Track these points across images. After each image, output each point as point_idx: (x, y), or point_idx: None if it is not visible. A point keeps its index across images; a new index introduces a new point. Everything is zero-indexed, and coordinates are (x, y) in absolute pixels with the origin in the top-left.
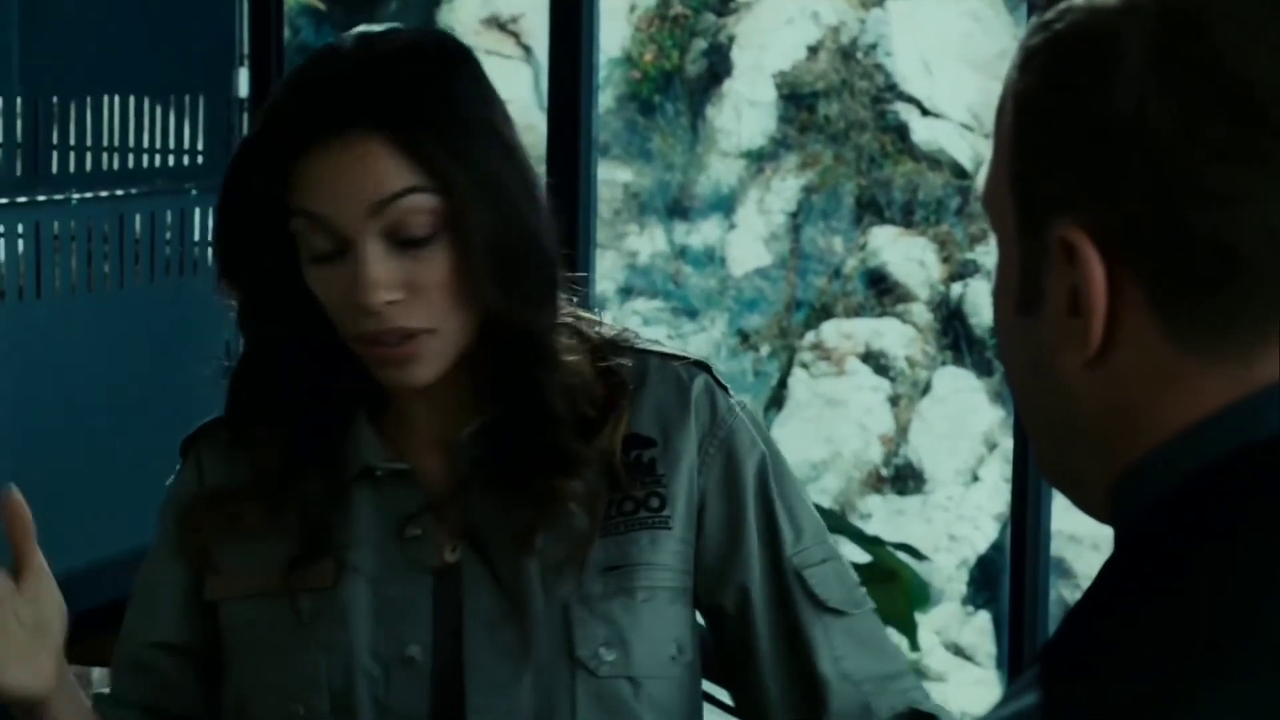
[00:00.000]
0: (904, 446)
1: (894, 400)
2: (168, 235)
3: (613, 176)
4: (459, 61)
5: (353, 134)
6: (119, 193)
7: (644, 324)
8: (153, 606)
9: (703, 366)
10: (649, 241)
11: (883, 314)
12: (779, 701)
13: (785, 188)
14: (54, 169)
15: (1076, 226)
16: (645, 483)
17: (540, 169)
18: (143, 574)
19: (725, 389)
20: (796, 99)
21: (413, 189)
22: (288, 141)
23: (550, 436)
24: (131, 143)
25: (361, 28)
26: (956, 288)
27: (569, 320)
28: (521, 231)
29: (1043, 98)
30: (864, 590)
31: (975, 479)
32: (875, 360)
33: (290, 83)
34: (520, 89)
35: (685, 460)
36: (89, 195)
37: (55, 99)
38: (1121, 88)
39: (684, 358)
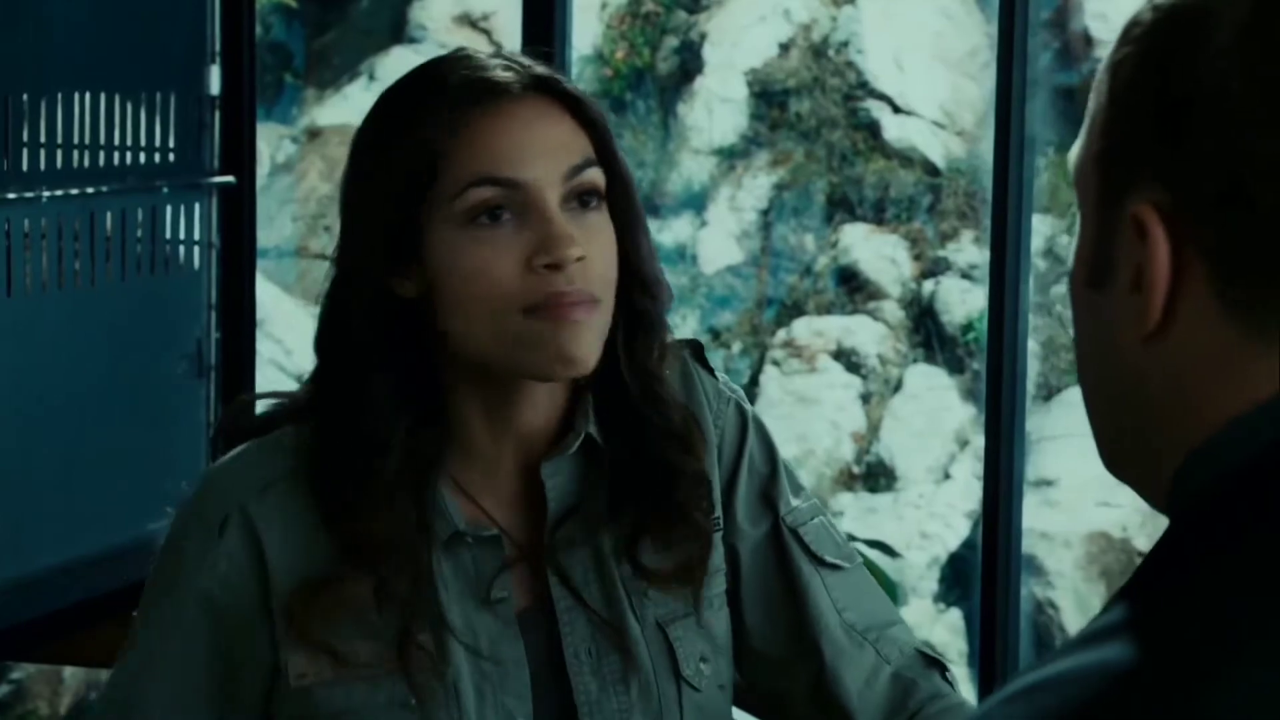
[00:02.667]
0: (876, 444)
1: (865, 398)
2: (139, 233)
3: None
4: None
5: (532, 97)
6: (90, 190)
7: None
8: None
9: (690, 346)
10: None
11: (854, 311)
12: (778, 661)
13: (757, 185)
14: (24, 166)
15: (1149, 204)
16: None
17: None
18: (185, 669)
19: (710, 368)
20: (768, 96)
21: (593, 160)
22: (460, 102)
23: (677, 459)
24: (103, 140)
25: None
26: (928, 285)
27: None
28: (647, 225)
29: (1133, 71)
30: (852, 544)
31: (947, 476)
32: (847, 358)
33: (431, 67)
34: None
35: (713, 454)
36: (59, 193)
37: (25, 96)
38: (1208, 64)
39: (674, 344)
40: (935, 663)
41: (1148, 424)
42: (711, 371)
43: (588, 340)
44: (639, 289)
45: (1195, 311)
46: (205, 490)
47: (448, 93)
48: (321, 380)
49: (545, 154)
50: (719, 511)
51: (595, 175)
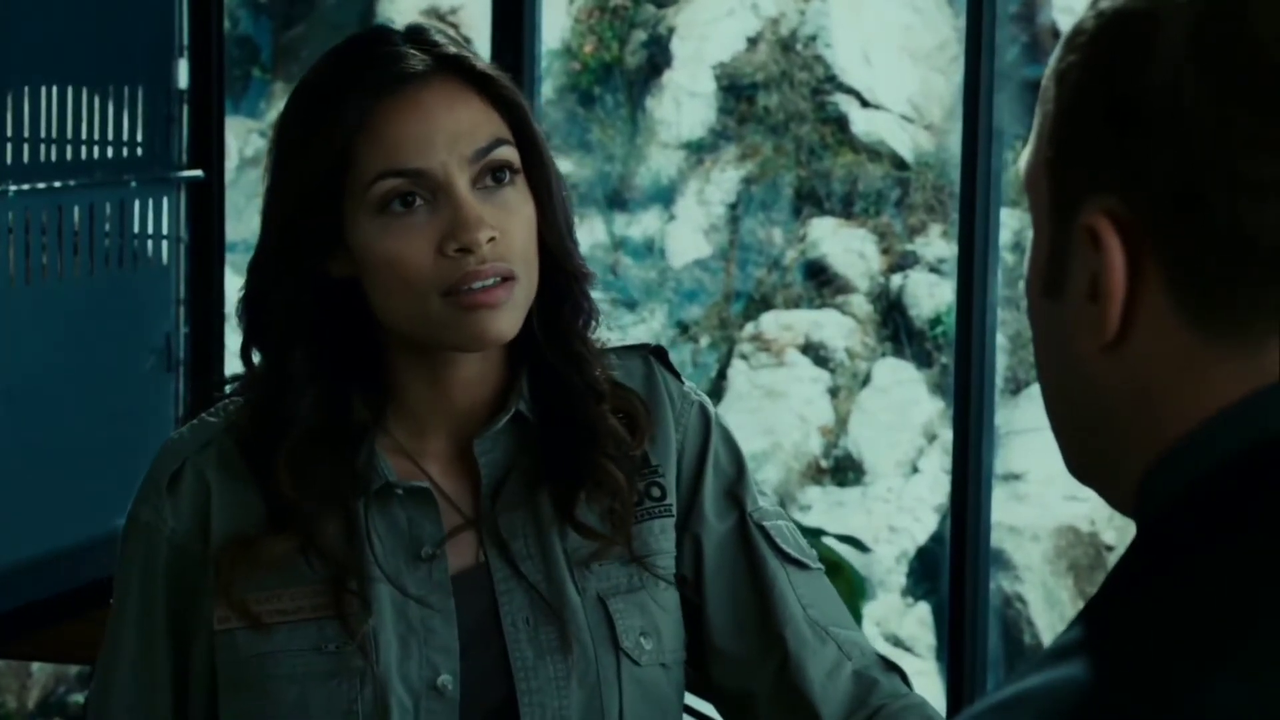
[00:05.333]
0: (844, 438)
1: (834, 391)
2: (107, 227)
3: None
4: None
5: (439, 79)
6: (57, 184)
7: None
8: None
9: (655, 351)
10: (588, 233)
11: (822, 305)
12: (737, 656)
13: (725, 179)
14: None
15: (1102, 213)
16: (644, 474)
17: None
18: (135, 620)
19: (675, 372)
20: (736, 90)
21: (501, 139)
22: (367, 94)
23: (594, 415)
24: (70, 134)
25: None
26: (896, 279)
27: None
28: (565, 192)
29: (1080, 79)
30: (813, 549)
31: (915, 470)
32: (815, 351)
33: (347, 51)
34: None
35: (671, 448)
36: (26, 187)
37: None
38: (1157, 71)
39: (638, 346)
40: (895, 667)
41: (1110, 432)
42: (677, 375)
43: (504, 318)
44: (553, 262)
45: (1153, 320)
46: (156, 460)
47: (357, 85)
48: (244, 352)
49: (450, 139)
50: (671, 499)
51: (505, 153)
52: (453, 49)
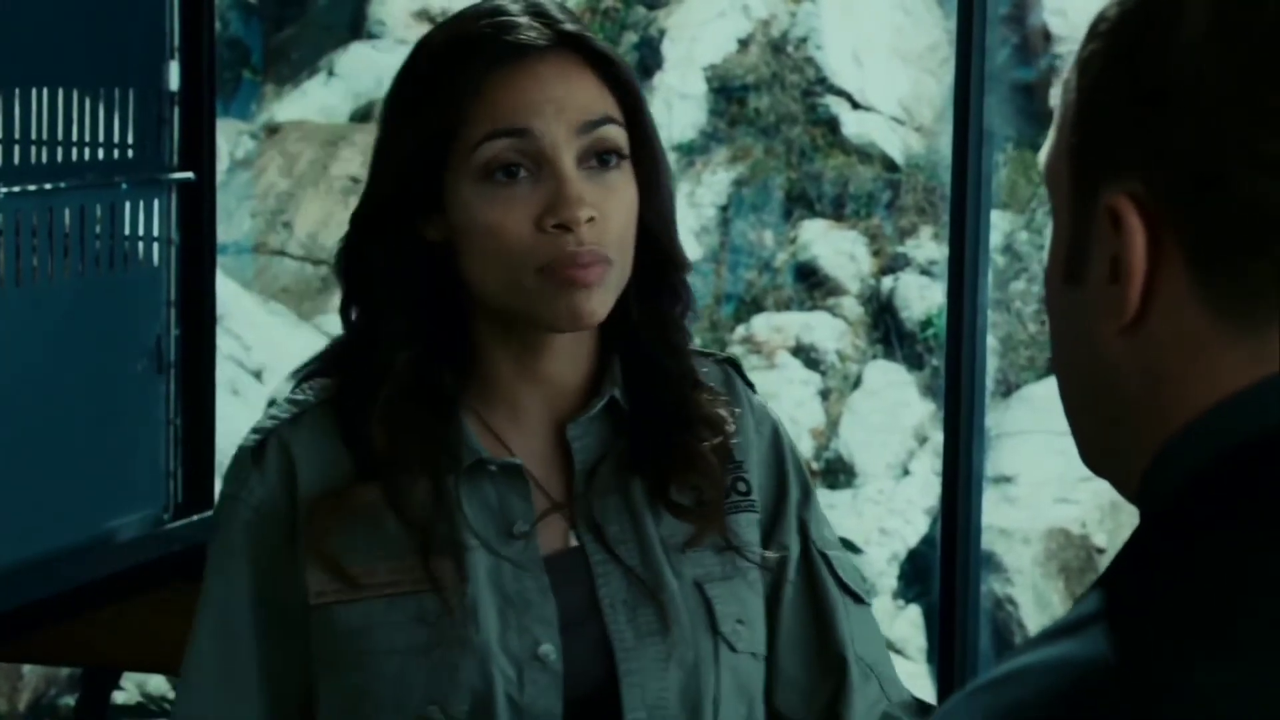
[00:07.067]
0: (835, 440)
1: (824, 394)
2: (98, 229)
3: None
4: None
5: (556, 54)
6: (48, 186)
7: None
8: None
9: (730, 361)
10: None
11: (813, 307)
12: (797, 681)
13: (716, 181)
14: None
15: (1124, 194)
16: (729, 468)
17: None
18: (224, 612)
19: (751, 384)
20: (727, 92)
21: (611, 118)
22: (483, 62)
23: (690, 401)
24: (60, 136)
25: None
26: (887, 281)
27: None
28: (671, 182)
29: (1103, 65)
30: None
31: (906, 473)
32: (806, 354)
33: (467, 20)
34: None
35: (751, 447)
36: (17, 189)
37: None
38: (1180, 53)
39: (713, 353)
40: (925, 710)
41: (1123, 420)
42: (752, 387)
43: (597, 298)
44: (655, 248)
45: (1172, 300)
46: (248, 436)
47: (475, 52)
48: (344, 308)
49: (559, 108)
50: (756, 497)
51: (613, 133)
52: (573, 26)
